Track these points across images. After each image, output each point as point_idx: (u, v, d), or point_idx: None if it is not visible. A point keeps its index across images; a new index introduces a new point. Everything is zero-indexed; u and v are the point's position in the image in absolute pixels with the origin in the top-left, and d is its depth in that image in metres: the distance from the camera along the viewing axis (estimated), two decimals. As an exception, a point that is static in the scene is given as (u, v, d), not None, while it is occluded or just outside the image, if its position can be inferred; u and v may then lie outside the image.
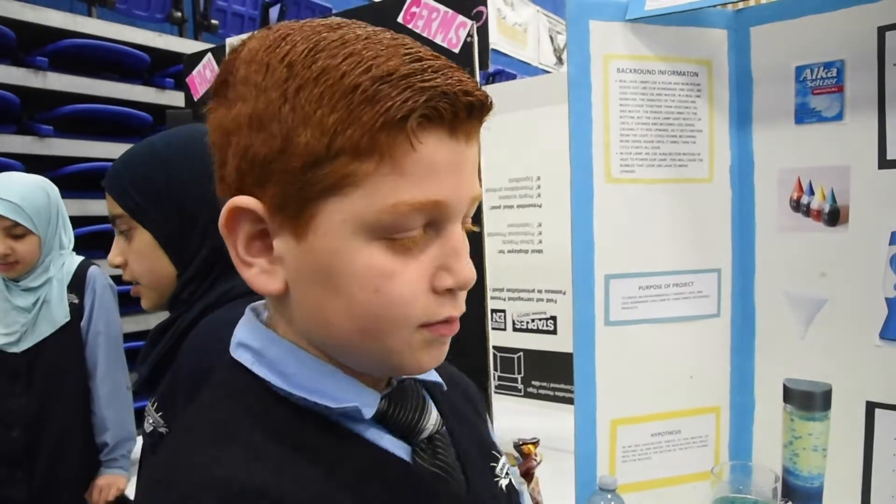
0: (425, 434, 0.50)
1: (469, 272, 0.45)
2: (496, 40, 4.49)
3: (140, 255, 0.82)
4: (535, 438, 1.24)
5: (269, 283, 0.46)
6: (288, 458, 0.43)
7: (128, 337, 1.70)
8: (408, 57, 0.42)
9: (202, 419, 0.46)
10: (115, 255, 0.84)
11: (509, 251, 1.74)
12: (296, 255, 0.44)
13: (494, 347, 1.79)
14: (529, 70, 4.84)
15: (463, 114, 0.43)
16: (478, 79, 1.30)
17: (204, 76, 1.84)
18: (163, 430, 0.78)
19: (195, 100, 1.87)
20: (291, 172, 0.42)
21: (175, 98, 2.61)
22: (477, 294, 1.15)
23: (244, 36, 0.48)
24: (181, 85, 1.99)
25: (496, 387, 1.80)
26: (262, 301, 0.52)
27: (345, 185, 0.42)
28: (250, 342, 0.48)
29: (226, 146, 0.45)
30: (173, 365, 0.78)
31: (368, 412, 0.47)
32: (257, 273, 0.46)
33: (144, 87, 2.63)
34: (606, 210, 1.04)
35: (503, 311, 1.77)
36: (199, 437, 0.44)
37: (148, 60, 2.59)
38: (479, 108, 0.44)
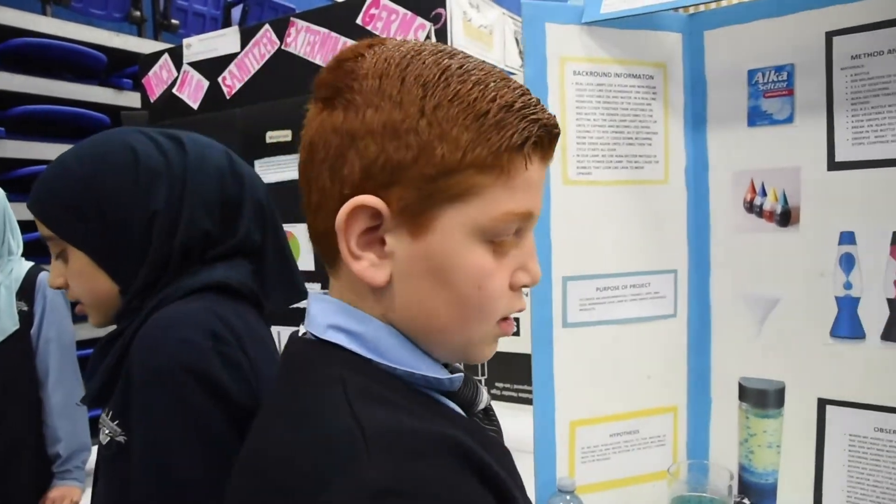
0: (481, 406, 0.57)
1: (539, 272, 0.54)
2: (462, 42, 4.51)
3: (78, 275, 0.79)
4: (496, 441, 1.24)
5: (378, 276, 0.50)
6: (429, 415, 0.49)
7: (81, 344, 1.66)
8: (517, 91, 0.51)
9: (333, 393, 0.48)
10: (54, 277, 0.82)
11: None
12: (409, 252, 0.50)
13: (458, 350, 1.79)
14: (496, 72, 4.85)
15: (553, 142, 0.53)
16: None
17: (160, 77, 1.81)
18: (121, 439, 0.75)
19: (151, 101, 1.84)
20: (424, 179, 0.48)
21: (134, 99, 2.56)
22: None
23: (341, 45, 0.52)
24: (140, 85, 1.95)
25: (460, 389, 1.79)
26: (326, 291, 0.56)
27: (467, 194, 0.49)
28: (348, 325, 0.52)
29: (347, 147, 0.49)
30: (122, 371, 0.75)
31: (458, 385, 0.54)
32: (367, 266, 0.50)
33: (101, 87, 2.58)
34: (563, 212, 1.04)
35: (467, 313, 1.76)
36: (361, 405, 0.46)
37: (105, 60, 2.54)
38: (558, 137, 0.54)
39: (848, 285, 1.01)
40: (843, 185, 1.01)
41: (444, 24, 1.27)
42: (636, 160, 1.08)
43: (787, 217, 1.05)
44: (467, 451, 0.47)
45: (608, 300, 1.07)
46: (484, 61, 0.53)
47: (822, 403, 1.04)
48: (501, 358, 1.73)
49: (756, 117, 1.07)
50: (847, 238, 1.01)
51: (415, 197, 0.49)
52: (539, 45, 1.04)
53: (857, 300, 1.01)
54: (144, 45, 2.68)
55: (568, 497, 1.00)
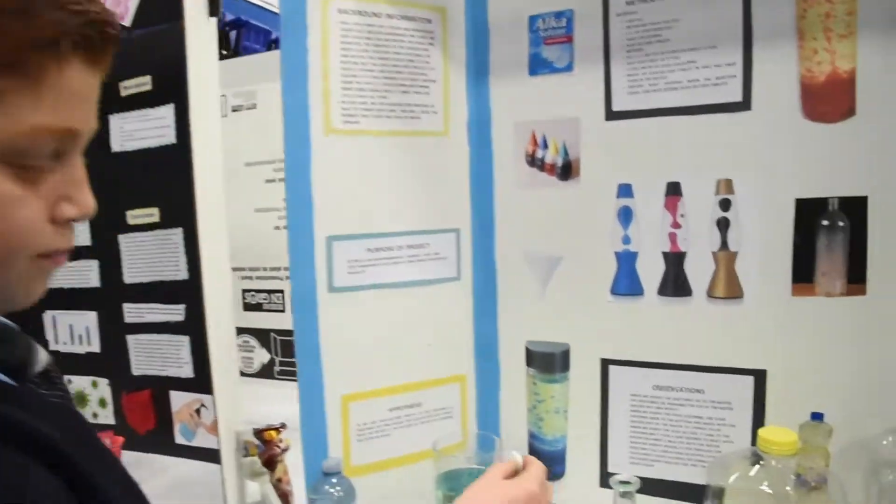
0: (38, 369, 0.48)
1: (92, 202, 0.45)
2: None
3: None
4: (281, 423, 1.13)
5: None
6: None
7: None
8: None
9: None
10: None
11: (285, 227, 1.61)
12: None
13: (274, 331, 1.66)
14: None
15: (106, 46, 0.43)
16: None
17: None
18: None
19: None
20: None
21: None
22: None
23: None
24: None
25: (278, 372, 1.67)
26: None
27: None
28: None
29: None
30: None
31: None
32: None
33: None
34: (326, 164, 0.94)
35: (281, 291, 1.63)
36: None
37: None
38: (116, 43, 0.44)
39: (626, 240, 0.98)
40: (620, 135, 0.97)
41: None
42: (412, 110, 0.99)
43: (567, 170, 1.00)
44: (13, 425, 0.37)
45: (381, 262, 0.98)
46: None
47: (605, 364, 1.00)
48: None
49: (537, 66, 1.01)
50: (624, 191, 0.97)
51: None
52: (296, -22, 0.92)
53: (635, 255, 0.97)
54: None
55: (334, 479, 0.91)
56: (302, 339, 0.94)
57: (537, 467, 0.67)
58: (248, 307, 1.64)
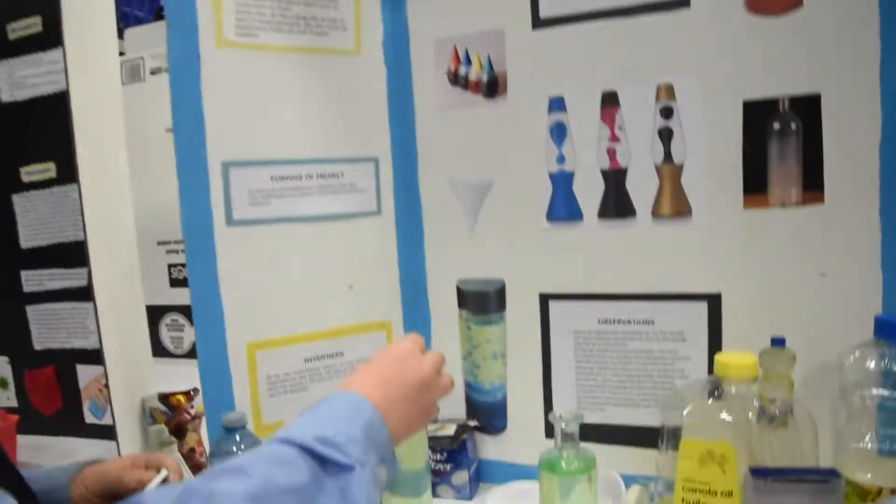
0: None
1: None
2: None
3: None
4: (193, 388, 1.01)
5: None
6: None
7: None
8: None
9: None
10: None
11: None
12: None
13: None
14: None
15: None
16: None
17: None
18: None
19: None
20: None
21: None
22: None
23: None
24: None
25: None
26: None
27: None
28: None
29: None
30: None
31: None
32: None
33: None
34: (219, 81, 0.83)
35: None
36: None
37: None
38: None
39: (561, 159, 0.88)
40: (548, 44, 0.87)
41: None
42: (318, 24, 0.89)
43: (493, 87, 0.90)
44: None
45: (289, 193, 0.87)
46: None
47: (545, 299, 0.90)
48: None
49: (457, -26, 0.92)
50: (556, 105, 0.88)
51: None
52: None
53: (571, 175, 0.88)
54: None
55: (237, 437, 0.79)
56: (196, 277, 0.82)
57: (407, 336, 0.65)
58: (175, 283, 1.52)
